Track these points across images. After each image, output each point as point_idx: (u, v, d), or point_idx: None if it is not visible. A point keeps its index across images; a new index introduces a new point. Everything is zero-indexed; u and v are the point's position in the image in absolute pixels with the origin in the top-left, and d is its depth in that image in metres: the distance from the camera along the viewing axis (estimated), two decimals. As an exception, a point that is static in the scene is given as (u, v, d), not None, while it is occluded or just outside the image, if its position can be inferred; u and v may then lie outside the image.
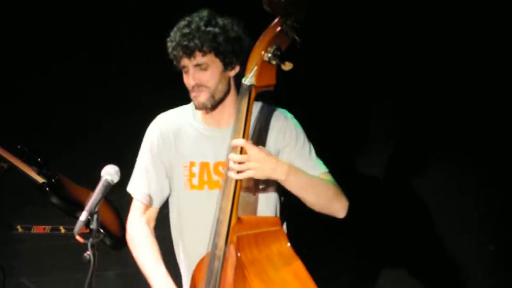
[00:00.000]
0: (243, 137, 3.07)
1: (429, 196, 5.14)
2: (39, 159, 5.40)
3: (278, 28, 3.07)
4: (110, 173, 2.90)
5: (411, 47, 5.11)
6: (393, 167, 5.25)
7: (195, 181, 3.36)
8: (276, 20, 3.09)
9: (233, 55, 3.24)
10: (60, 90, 5.58)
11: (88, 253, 2.80)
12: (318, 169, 3.30)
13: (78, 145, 5.76)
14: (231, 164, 3.05)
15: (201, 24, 3.22)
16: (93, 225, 2.81)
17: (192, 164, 3.36)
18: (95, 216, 2.81)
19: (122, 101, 5.57)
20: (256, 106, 3.34)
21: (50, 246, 5.23)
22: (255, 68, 3.05)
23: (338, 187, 3.26)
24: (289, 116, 3.37)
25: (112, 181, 2.90)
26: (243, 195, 3.26)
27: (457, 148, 5.10)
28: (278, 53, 3.04)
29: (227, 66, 3.26)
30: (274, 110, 3.37)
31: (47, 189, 5.28)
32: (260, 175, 3.08)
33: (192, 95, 3.30)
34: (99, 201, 2.83)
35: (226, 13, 3.33)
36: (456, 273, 5.10)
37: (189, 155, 3.37)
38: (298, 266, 3.07)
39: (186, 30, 3.22)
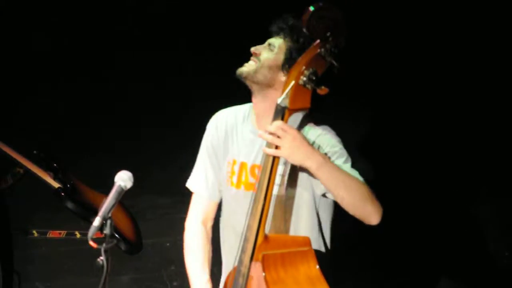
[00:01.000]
0: (273, 163, 3.05)
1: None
2: (54, 164, 5.42)
3: (316, 52, 3.05)
4: (123, 179, 2.91)
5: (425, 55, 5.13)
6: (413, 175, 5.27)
7: (235, 179, 3.39)
8: (314, 44, 3.08)
9: (292, 60, 3.22)
10: (75, 97, 5.61)
11: (102, 259, 2.80)
12: (357, 176, 3.22)
13: (92, 150, 5.79)
14: (267, 137, 3.03)
15: (290, 19, 3.31)
16: (107, 231, 2.81)
17: (234, 162, 3.40)
18: (108, 222, 2.81)
19: (135, 108, 5.61)
20: (297, 118, 3.33)
21: (66, 251, 5.24)
22: (290, 90, 3.03)
23: (373, 193, 3.17)
24: (327, 129, 3.34)
25: (126, 187, 2.91)
26: (277, 213, 3.26)
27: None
28: (314, 77, 3.02)
29: (284, 64, 3.28)
30: (312, 123, 3.34)
31: (63, 194, 5.30)
32: (293, 158, 3.03)
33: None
34: (113, 206, 2.84)
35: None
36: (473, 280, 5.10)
37: (233, 153, 3.41)
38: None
39: (282, 20, 3.33)
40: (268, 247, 3.04)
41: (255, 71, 3.30)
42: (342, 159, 3.24)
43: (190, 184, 3.54)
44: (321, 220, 3.37)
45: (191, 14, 5.43)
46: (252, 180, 3.34)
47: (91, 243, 2.80)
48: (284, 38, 3.29)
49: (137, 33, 5.56)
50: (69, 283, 4.99)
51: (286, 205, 3.30)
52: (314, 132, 3.29)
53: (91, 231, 2.80)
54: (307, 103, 3.04)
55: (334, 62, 3.05)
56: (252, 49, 3.33)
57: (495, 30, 5.13)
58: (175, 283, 5.07)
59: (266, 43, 3.33)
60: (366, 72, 5.08)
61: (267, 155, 3.06)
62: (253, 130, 3.38)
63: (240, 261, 3.09)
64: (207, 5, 5.40)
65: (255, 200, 3.06)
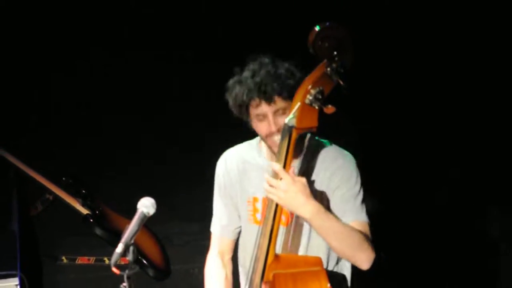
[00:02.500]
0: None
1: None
2: (83, 191, 5.46)
3: (322, 71, 3.06)
4: (146, 205, 2.93)
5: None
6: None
7: (259, 216, 3.38)
8: (321, 63, 3.09)
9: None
10: (103, 123, 5.65)
11: (124, 285, 2.81)
12: (356, 215, 3.25)
13: (120, 176, 5.82)
14: (265, 185, 3.06)
15: (271, 69, 3.17)
16: (129, 257, 2.83)
17: (255, 199, 3.39)
18: (131, 248, 2.83)
19: (164, 134, 5.64)
20: (314, 142, 3.33)
21: (94, 277, 5.27)
22: (297, 110, 3.04)
23: (367, 239, 3.19)
24: (347, 157, 3.32)
25: (148, 213, 2.92)
26: (291, 234, 3.27)
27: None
28: (320, 96, 3.02)
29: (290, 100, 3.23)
30: (331, 148, 3.33)
31: (91, 220, 5.33)
32: (287, 207, 3.06)
33: (273, 139, 3.24)
34: (135, 233, 2.86)
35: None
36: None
37: (252, 191, 3.39)
38: None
39: (259, 78, 3.16)
40: (279, 266, 3.05)
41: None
42: (354, 192, 3.25)
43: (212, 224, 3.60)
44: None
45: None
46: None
47: (114, 269, 2.82)
48: (279, 95, 3.17)
49: (163, 57, 5.61)
50: (98, 309, 5.02)
51: (304, 231, 3.30)
52: (333, 161, 3.28)
53: (114, 258, 2.83)
54: (314, 122, 3.05)
55: (341, 82, 3.05)
56: (274, 130, 3.21)
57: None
58: (202, 309, 5.07)
59: (270, 116, 3.20)
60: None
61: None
62: (270, 163, 3.35)
63: (251, 282, 3.11)
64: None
65: (265, 220, 3.09)
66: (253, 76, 3.17)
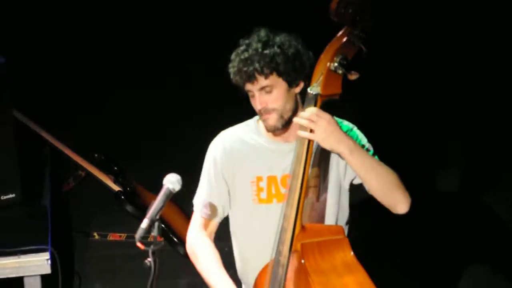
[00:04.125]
0: (308, 147, 3.07)
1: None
2: (115, 168, 5.50)
3: (345, 38, 3.08)
4: (171, 181, 2.94)
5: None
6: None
7: (263, 195, 3.38)
8: (343, 30, 3.10)
9: (295, 72, 3.21)
10: (129, 101, 5.69)
11: (149, 260, 2.83)
12: None
13: (151, 153, 5.86)
14: (302, 121, 3.06)
15: (259, 46, 3.20)
16: (154, 233, 2.84)
17: (259, 178, 3.38)
18: (156, 224, 2.84)
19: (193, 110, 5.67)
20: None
21: (126, 253, 5.30)
22: (321, 77, 3.06)
23: (401, 182, 3.19)
24: (350, 126, 3.35)
25: (174, 189, 2.93)
26: (308, 205, 3.28)
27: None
28: (344, 62, 3.05)
29: (291, 84, 3.24)
30: (340, 119, 3.33)
31: (123, 197, 5.37)
32: (327, 142, 3.06)
33: (262, 118, 3.31)
34: (161, 209, 2.87)
35: (285, 27, 3.32)
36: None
37: (255, 170, 3.38)
38: (361, 275, 3.05)
39: (245, 55, 3.20)
40: (305, 236, 3.10)
41: (282, 115, 3.27)
42: (371, 152, 3.29)
43: (194, 202, 3.55)
44: (341, 211, 3.40)
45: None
46: (284, 190, 3.34)
47: (139, 244, 2.83)
48: (260, 73, 3.20)
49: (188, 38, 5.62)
50: (128, 286, 5.04)
51: (315, 203, 3.31)
52: (342, 127, 3.27)
53: (139, 233, 2.85)
54: (338, 89, 3.07)
55: (363, 47, 3.07)
56: (258, 108, 3.26)
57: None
58: (232, 288, 5.08)
59: (256, 93, 3.24)
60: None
61: (300, 143, 3.09)
62: (270, 141, 3.36)
63: (279, 252, 3.12)
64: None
65: (290, 190, 3.09)
66: (241, 54, 3.22)
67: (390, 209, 3.18)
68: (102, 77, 5.62)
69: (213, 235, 3.55)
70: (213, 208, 3.47)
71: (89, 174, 5.51)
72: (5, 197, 4.56)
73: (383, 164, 3.17)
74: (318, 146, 3.22)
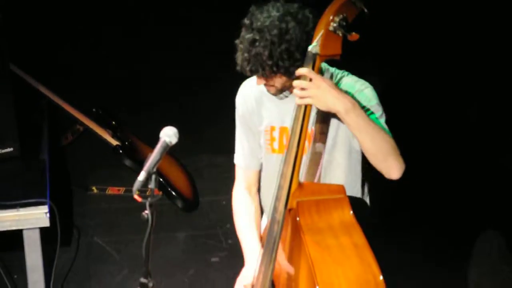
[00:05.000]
0: (306, 107, 3.06)
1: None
2: (113, 122, 5.51)
3: None
4: (168, 134, 2.94)
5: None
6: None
7: (276, 145, 3.39)
8: None
9: (296, 67, 3.12)
10: (130, 54, 5.67)
11: (146, 212, 2.84)
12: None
13: (149, 107, 5.86)
14: (295, 91, 3.04)
15: (260, 50, 3.11)
16: (151, 185, 2.85)
17: (272, 128, 3.39)
18: (153, 177, 2.85)
19: (192, 66, 5.64)
20: (332, 72, 3.31)
21: (124, 207, 5.33)
22: (320, 37, 3.03)
23: (397, 149, 3.16)
24: (366, 84, 3.29)
25: (171, 142, 2.93)
26: (313, 162, 3.27)
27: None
28: (344, 23, 3.01)
29: (291, 75, 3.19)
30: (349, 77, 3.31)
31: (121, 151, 5.39)
32: (321, 104, 3.03)
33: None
34: (158, 161, 2.87)
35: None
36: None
37: (269, 120, 3.39)
38: (358, 235, 3.02)
39: (246, 55, 3.14)
40: (302, 194, 3.07)
41: (281, 90, 3.24)
42: (376, 115, 3.22)
43: (235, 155, 3.58)
44: (351, 173, 3.37)
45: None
46: None
47: (136, 197, 2.84)
48: (262, 75, 3.17)
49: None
50: (127, 239, 5.07)
51: (321, 162, 3.30)
52: (351, 87, 3.26)
53: (136, 185, 2.84)
54: (338, 50, 3.03)
55: (365, 8, 3.04)
56: (258, 83, 3.24)
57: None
58: (230, 241, 5.12)
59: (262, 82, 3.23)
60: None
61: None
62: (285, 93, 3.33)
63: (275, 209, 3.12)
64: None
65: (288, 148, 3.08)
66: (244, 50, 3.16)
67: (383, 173, 3.15)
68: (100, 30, 5.60)
69: (254, 186, 3.56)
70: (247, 157, 3.51)
71: (87, 128, 5.52)
72: (3, 151, 4.57)
73: (381, 129, 3.13)
74: None
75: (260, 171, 3.55)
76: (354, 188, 3.36)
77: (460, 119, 5.48)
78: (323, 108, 3.06)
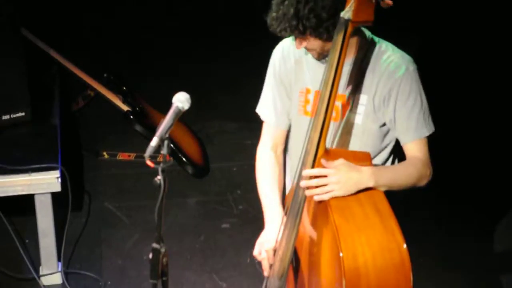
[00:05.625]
0: (336, 71, 3.00)
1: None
2: (124, 88, 5.51)
3: None
4: (180, 100, 2.92)
5: None
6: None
7: (309, 108, 3.34)
8: None
9: (323, 28, 3.07)
10: (143, 21, 5.65)
11: (159, 178, 2.83)
12: (416, 133, 3.23)
13: (160, 74, 5.85)
14: (312, 191, 3.05)
15: (290, 10, 3.05)
16: (164, 151, 2.84)
17: (308, 91, 3.34)
18: (165, 142, 2.84)
19: (204, 33, 5.62)
20: (370, 41, 3.26)
21: (134, 173, 5.33)
22: (354, 3, 2.96)
23: (423, 165, 3.22)
24: (408, 66, 3.22)
25: (183, 108, 2.91)
26: (344, 130, 3.26)
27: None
28: None
29: (322, 36, 3.13)
30: (389, 53, 3.24)
31: (132, 117, 5.39)
32: (349, 193, 3.05)
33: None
34: (170, 127, 2.86)
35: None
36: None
37: (306, 82, 3.34)
38: (382, 203, 3.02)
39: (275, 14, 3.09)
40: (329, 160, 3.05)
41: (322, 53, 3.18)
42: (416, 108, 3.21)
43: (259, 111, 3.51)
44: (391, 152, 3.37)
45: None
46: None
47: (149, 162, 2.83)
48: (297, 34, 3.12)
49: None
50: (137, 204, 5.07)
51: (352, 131, 3.28)
52: (392, 74, 3.20)
53: (148, 151, 2.83)
54: (370, 16, 2.97)
55: None
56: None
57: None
58: (240, 207, 5.12)
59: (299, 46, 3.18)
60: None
61: (329, 65, 3.01)
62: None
63: (301, 175, 3.10)
64: None
65: (316, 113, 3.05)
66: (272, 11, 3.11)
67: None
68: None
69: (281, 146, 3.51)
70: (279, 116, 3.45)
71: (98, 94, 5.52)
72: (15, 115, 4.58)
73: (405, 169, 3.22)
74: (356, 72, 3.21)
75: (288, 132, 3.52)
76: (382, 161, 3.36)
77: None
78: (349, 193, 3.07)
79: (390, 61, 3.22)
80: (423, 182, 3.25)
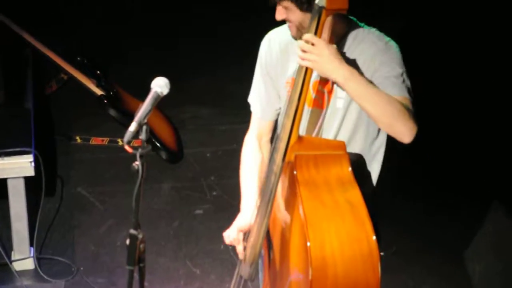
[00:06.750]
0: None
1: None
2: (98, 72, 5.46)
3: None
4: (159, 85, 2.89)
5: None
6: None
7: None
8: None
9: (308, 2, 3.07)
10: (117, 4, 5.61)
11: (137, 163, 2.80)
12: (398, 90, 3.14)
13: (134, 59, 5.81)
14: (298, 51, 3.01)
15: None
16: (142, 136, 2.81)
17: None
18: (144, 127, 2.81)
19: (180, 18, 5.58)
20: (354, 26, 3.25)
21: (108, 158, 5.31)
22: None
23: (408, 111, 3.08)
24: (390, 42, 3.21)
25: (162, 93, 2.88)
26: (319, 115, 3.23)
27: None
28: None
29: (306, 10, 3.12)
30: (373, 33, 3.23)
31: (105, 101, 5.35)
32: (320, 71, 3.01)
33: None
34: (149, 112, 2.83)
35: None
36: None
37: (292, 72, 3.32)
38: (354, 192, 2.98)
39: None
40: (301, 147, 3.03)
41: (300, 29, 3.15)
42: (395, 72, 3.15)
43: (249, 101, 3.52)
44: (378, 140, 3.33)
45: None
46: (314, 95, 3.28)
47: (127, 148, 2.80)
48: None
49: None
50: (111, 190, 5.05)
51: (338, 117, 3.27)
52: (374, 45, 3.19)
53: (127, 136, 2.80)
54: (345, 4, 2.96)
55: None
56: (277, 19, 3.20)
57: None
58: (214, 193, 5.11)
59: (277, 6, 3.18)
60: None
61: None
62: None
63: (273, 160, 3.09)
64: None
65: (289, 100, 3.05)
66: None
67: (395, 137, 3.13)
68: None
69: (266, 136, 3.49)
70: (264, 107, 3.45)
71: (71, 77, 5.47)
72: (-13, 99, 4.54)
73: (385, 94, 3.07)
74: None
75: (275, 122, 3.51)
76: (369, 146, 3.31)
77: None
78: (322, 74, 3.04)
79: (371, 38, 3.21)
80: (404, 130, 3.05)
